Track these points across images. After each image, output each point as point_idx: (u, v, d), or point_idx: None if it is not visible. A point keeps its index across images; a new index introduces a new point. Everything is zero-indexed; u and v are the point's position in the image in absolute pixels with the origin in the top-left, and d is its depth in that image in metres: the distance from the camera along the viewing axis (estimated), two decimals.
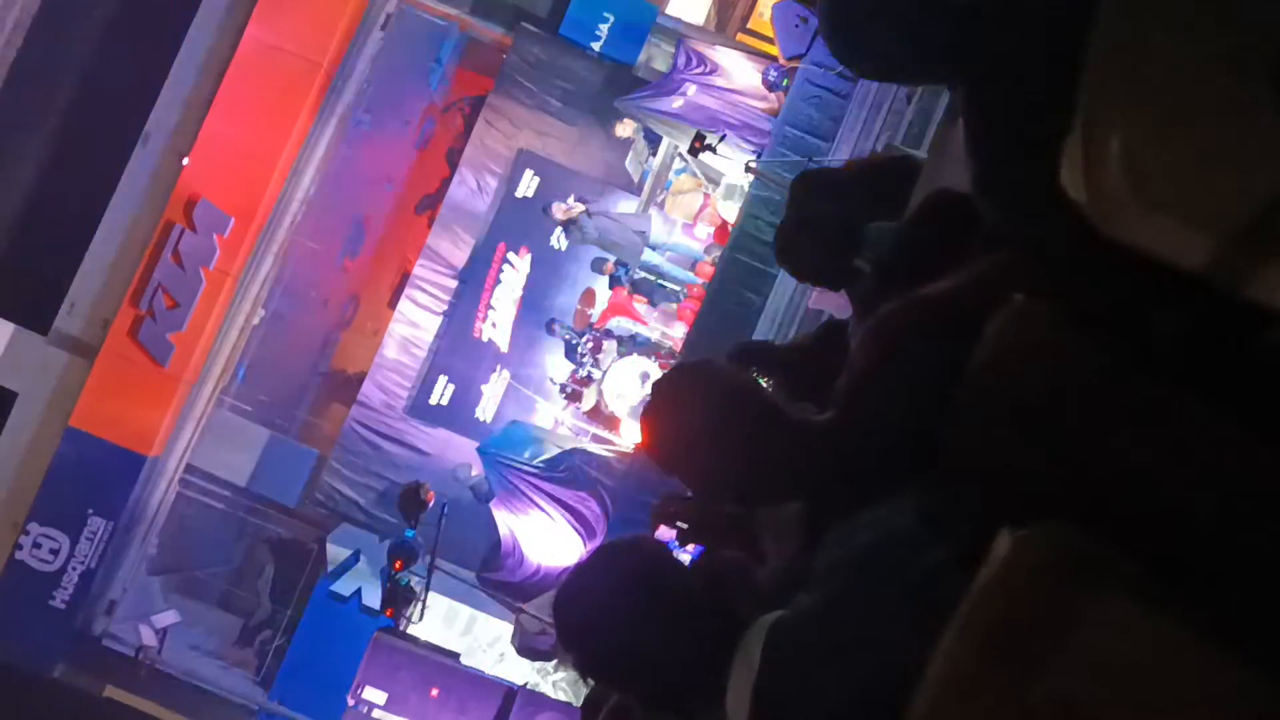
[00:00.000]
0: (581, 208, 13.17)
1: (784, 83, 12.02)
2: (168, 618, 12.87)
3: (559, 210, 13.30)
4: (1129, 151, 1.27)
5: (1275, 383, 1.36)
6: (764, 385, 1.96)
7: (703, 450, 1.82)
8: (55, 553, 12.40)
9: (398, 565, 11.19)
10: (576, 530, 12.24)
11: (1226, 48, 1.26)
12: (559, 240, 13.72)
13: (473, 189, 13.96)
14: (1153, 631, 1.23)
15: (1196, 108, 1.26)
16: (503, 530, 12.52)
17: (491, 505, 12.59)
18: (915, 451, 1.50)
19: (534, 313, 13.78)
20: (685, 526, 2.25)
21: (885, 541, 1.47)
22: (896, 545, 1.45)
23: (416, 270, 13.98)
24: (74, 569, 12.42)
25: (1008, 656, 1.24)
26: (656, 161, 13.92)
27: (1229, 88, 1.26)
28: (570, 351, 13.35)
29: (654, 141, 13.81)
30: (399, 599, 11.17)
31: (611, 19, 13.15)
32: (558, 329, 13.48)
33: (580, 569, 1.81)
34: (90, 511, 12.42)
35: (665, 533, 2.47)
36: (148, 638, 12.56)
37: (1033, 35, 1.39)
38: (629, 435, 12.86)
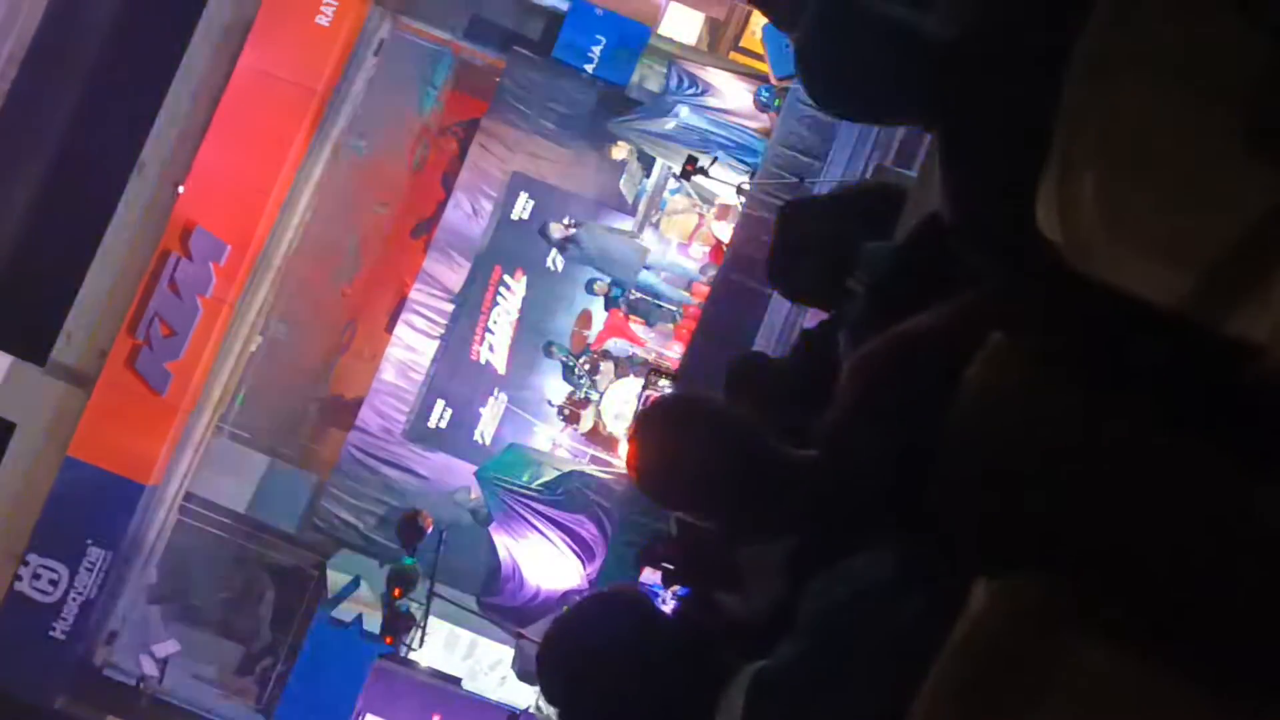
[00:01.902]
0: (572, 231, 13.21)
1: (776, 103, 12.05)
2: (168, 647, 12.84)
3: (557, 230, 13.34)
4: (1104, 191, 1.28)
5: (1255, 418, 1.36)
6: (750, 417, 1.96)
7: (685, 484, 1.83)
8: (55, 583, 12.39)
9: (397, 593, 11.18)
10: (575, 553, 12.23)
11: (1199, 90, 1.27)
12: (555, 262, 13.74)
13: (468, 212, 13.99)
14: (1134, 679, 1.22)
15: (1170, 148, 1.27)
16: (502, 554, 12.51)
17: (490, 529, 12.58)
18: (897, 496, 1.50)
19: (531, 335, 13.79)
20: (671, 568, 2.26)
21: (865, 592, 1.47)
22: (877, 595, 1.45)
23: (413, 294, 14.00)
24: (74, 599, 12.41)
25: (987, 707, 1.24)
26: (650, 182, 13.95)
27: (1202, 128, 1.26)
28: (567, 373, 13.36)
29: (648, 162, 13.84)
30: (399, 626, 11.15)
31: (604, 41, 13.19)
32: (555, 351, 13.48)
33: (562, 622, 1.81)
34: (89, 541, 12.41)
35: (652, 574, 2.47)
36: (149, 667, 12.54)
37: (1008, 78, 1.40)
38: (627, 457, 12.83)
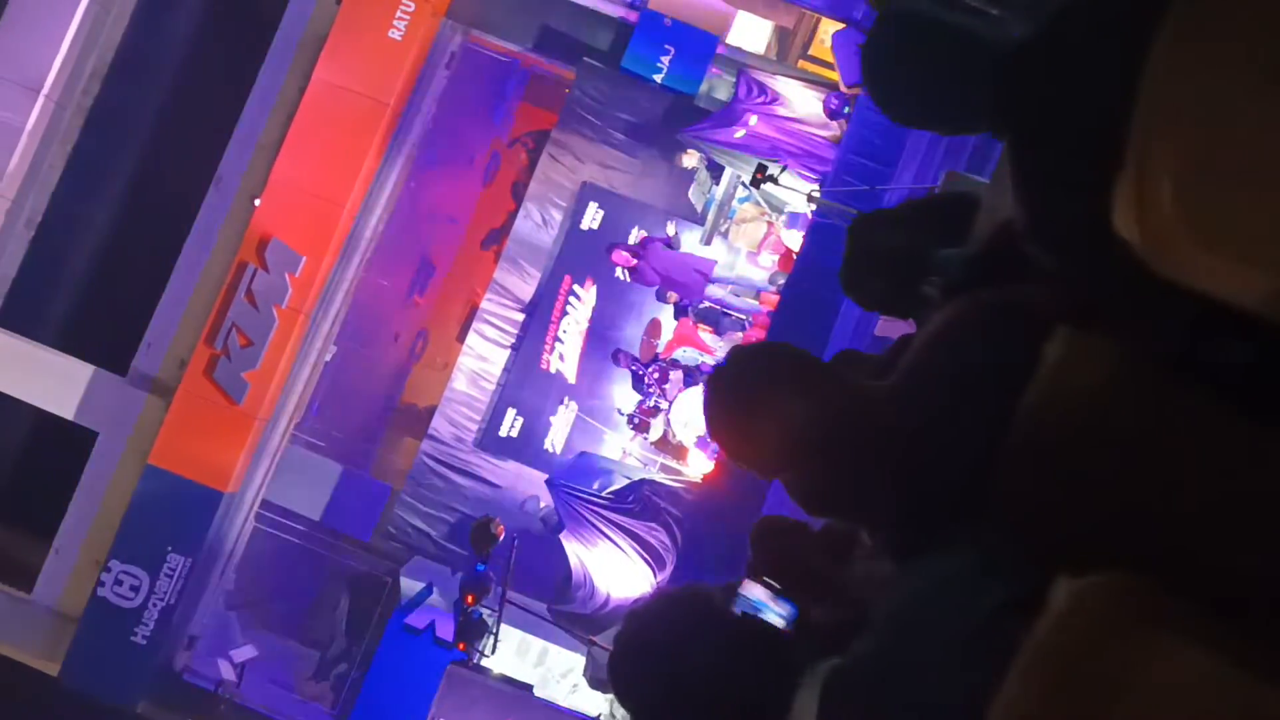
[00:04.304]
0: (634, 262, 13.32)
1: (845, 110, 12.00)
2: (246, 652, 13.03)
3: (620, 256, 13.44)
4: (1182, 191, 1.26)
5: None
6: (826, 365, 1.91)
7: (758, 418, 1.80)
8: (136, 589, 12.62)
9: (469, 599, 11.25)
10: (646, 561, 12.24)
11: (1278, 85, 1.25)
12: (624, 272, 13.80)
13: (538, 223, 14.08)
14: (1221, 679, 1.20)
15: (1250, 146, 1.25)
16: (573, 562, 12.55)
17: (561, 537, 12.62)
18: (972, 491, 1.49)
19: (601, 344, 13.84)
20: (778, 586, 2.23)
21: (942, 588, 1.46)
22: (954, 592, 1.43)
23: (484, 304, 14.11)
24: (154, 605, 12.63)
25: (1069, 707, 1.22)
26: (719, 191, 13.95)
27: None
28: (637, 382, 13.39)
29: (717, 171, 13.84)
30: (471, 632, 11.21)
31: (672, 51, 13.22)
32: (623, 359, 13.52)
33: (633, 621, 1.80)
34: (169, 548, 12.63)
35: (756, 590, 2.43)
36: (227, 672, 12.73)
37: (1080, 78, 1.39)
38: (697, 465, 12.84)
